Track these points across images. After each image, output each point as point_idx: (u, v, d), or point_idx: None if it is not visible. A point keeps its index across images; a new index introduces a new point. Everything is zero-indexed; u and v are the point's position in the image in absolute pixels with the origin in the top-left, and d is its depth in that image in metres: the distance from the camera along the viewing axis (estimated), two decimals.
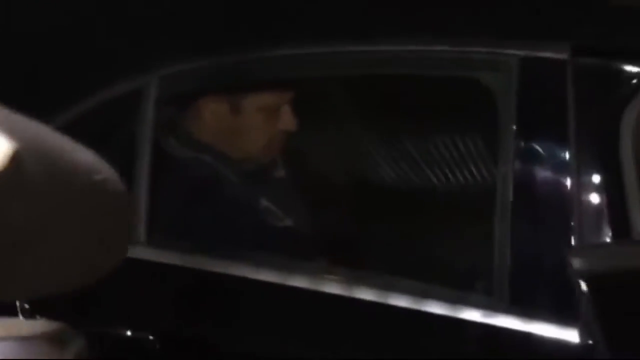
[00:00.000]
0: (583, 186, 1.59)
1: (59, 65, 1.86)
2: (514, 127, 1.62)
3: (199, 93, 1.92)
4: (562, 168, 1.61)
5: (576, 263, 1.49)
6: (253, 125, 1.93)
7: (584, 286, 1.44)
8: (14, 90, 1.84)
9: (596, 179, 1.59)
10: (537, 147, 1.63)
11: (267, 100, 1.92)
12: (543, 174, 1.62)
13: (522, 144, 1.62)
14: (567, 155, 1.60)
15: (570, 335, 1.53)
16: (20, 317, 1.67)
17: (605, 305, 1.45)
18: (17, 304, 1.68)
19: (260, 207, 1.95)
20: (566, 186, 1.60)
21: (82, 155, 0.64)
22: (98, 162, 0.64)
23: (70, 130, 1.77)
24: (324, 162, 2.10)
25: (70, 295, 1.51)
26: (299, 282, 1.71)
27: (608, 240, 1.56)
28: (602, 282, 1.45)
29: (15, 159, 0.59)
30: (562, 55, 1.62)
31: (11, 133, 0.59)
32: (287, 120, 1.93)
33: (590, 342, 1.49)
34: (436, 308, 1.62)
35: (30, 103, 1.83)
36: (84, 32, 1.84)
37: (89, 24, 1.85)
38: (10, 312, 1.67)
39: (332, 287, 1.70)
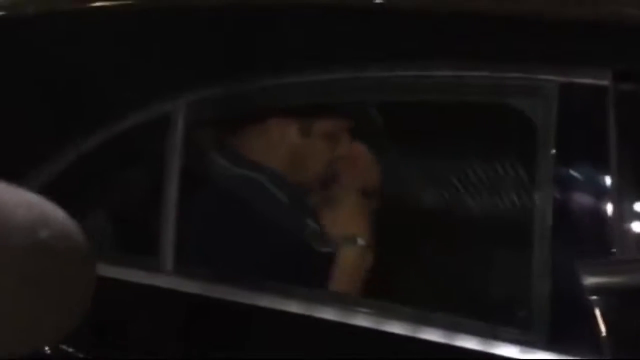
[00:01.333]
0: (625, 214, 1.52)
1: (88, 90, 1.84)
2: (553, 153, 1.55)
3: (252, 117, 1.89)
4: (603, 196, 1.55)
5: (587, 280, 1.45)
6: (317, 149, 1.93)
7: (595, 303, 1.42)
8: (47, 113, 1.85)
9: (638, 207, 1.53)
10: (577, 174, 1.57)
11: (331, 126, 1.92)
12: (583, 201, 1.56)
13: (562, 170, 1.57)
14: (608, 183, 1.54)
15: None
16: None
17: (616, 322, 1.43)
18: None
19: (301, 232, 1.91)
20: (607, 214, 1.53)
21: (24, 212, 0.59)
22: (45, 218, 0.59)
23: (102, 154, 1.78)
24: None
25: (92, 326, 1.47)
26: (328, 314, 1.66)
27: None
28: (613, 298, 1.43)
29: None
30: (603, 82, 1.56)
31: None
32: (346, 148, 1.93)
33: None
34: (470, 343, 1.56)
35: (61, 126, 1.84)
36: (111, 57, 1.82)
37: (118, 48, 1.82)
38: None
39: (361, 320, 1.64)
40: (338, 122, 1.92)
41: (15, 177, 1.80)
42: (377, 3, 1.71)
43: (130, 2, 1.88)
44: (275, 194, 1.93)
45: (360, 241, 1.89)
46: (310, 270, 1.84)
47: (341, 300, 1.71)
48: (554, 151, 1.57)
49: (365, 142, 1.96)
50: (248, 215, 1.91)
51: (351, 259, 1.88)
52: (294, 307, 1.67)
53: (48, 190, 1.79)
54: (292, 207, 1.94)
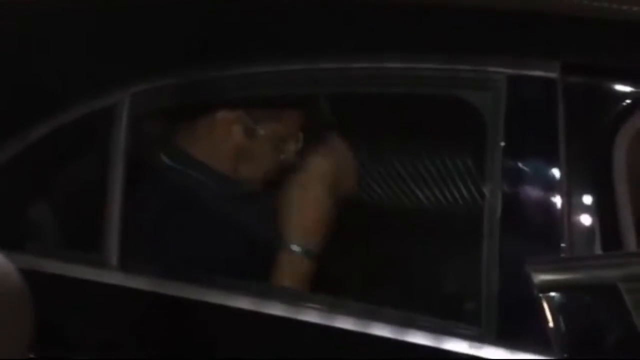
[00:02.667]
0: (574, 207, 1.52)
1: (33, 80, 1.80)
2: (502, 146, 1.55)
3: (200, 108, 1.86)
4: (552, 188, 1.55)
5: (535, 277, 1.48)
6: (261, 151, 1.90)
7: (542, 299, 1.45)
8: None
9: (588, 199, 1.54)
10: (526, 167, 1.57)
11: (282, 128, 1.89)
12: (532, 194, 1.56)
13: (511, 163, 1.57)
14: (558, 176, 1.54)
15: None
16: None
17: (564, 319, 1.46)
18: None
19: (249, 230, 1.88)
20: (556, 207, 1.53)
21: None
22: None
23: (45, 146, 1.75)
24: None
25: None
26: (277, 309, 1.64)
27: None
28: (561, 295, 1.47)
29: None
30: (552, 74, 1.56)
31: None
32: (291, 152, 1.90)
33: None
34: (419, 338, 1.55)
35: (5, 117, 1.80)
36: (56, 48, 1.78)
37: (63, 39, 1.79)
38: None
39: (311, 315, 1.62)
40: (286, 120, 1.90)
41: None
42: None
43: None
44: (216, 193, 1.91)
45: (306, 250, 1.86)
46: (254, 270, 1.82)
47: (290, 296, 1.69)
48: (502, 144, 1.56)
49: (315, 135, 1.94)
50: (191, 212, 1.89)
51: (291, 267, 1.85)
52: (242, 302, 1.65)
53: None
54: (234, 207, 1.92)
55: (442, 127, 1.82)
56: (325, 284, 1.88)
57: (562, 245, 1.51)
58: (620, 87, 1.56)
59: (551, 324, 1.46)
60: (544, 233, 1.55)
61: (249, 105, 1.86)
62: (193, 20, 1.76)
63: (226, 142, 1.90)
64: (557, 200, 1.54)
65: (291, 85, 1.75)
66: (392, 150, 1.99)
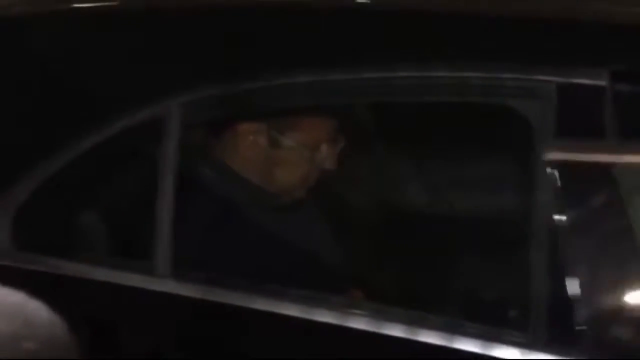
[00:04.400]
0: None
1: (82, 91, 1.83)
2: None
3: (232, 119, 1.89)
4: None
5: (550, 155, 1.53)
6: (290, 160, 1.93)
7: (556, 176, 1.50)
8: (41, 115, 1.84)
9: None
10: None
11: (307, 137, 1.91)
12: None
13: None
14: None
15: None
16: None
17: (574, 194, 1.51)
18: None
19: (290, 241, 1.91)
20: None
21: (5, 323, 0.58)
22: (29, 327, 0.58)
23: (95, 155, 1.78)
24: (355, 192, 2.07)
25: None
26: (324, 316, 1.65)
27: None
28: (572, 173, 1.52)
29: None
30: (600, 82, 1.56)
31: None
32: (327, 159, 1.93)
33: None
34: (468, 345, 1.56)
35: (56, 127, 1.83)
36: (105, 58, 1.81)
37: (111, 50, 1.81)
38: None
39: (358, 323, 1.63)
40: (313, 129, 1.93)
41: (10, 178, 1.83)
42: (368, 3, 1.71)
43: (122, 3, 1.87)
44: (253, 202, 1.94)
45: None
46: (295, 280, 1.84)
47: (337, 303, 1.71)
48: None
49: (353, 144, 1.96)
50: (230, 222, 1.93)
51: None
52: (290, 310, 1.66)
53: (43, 190, 1.82)
54: (273, 216, 1.95)
55: (490, 136, 1.83)
56: (372, 291, 1.90)
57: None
58: None
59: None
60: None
61: (275, 116, 1.90)
62: (238, 31, 1.78)
63: (252, 153, 1.94)
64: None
65: (334, 94, 1.76)
66: (441, 158, 1.99)
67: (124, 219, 1.92)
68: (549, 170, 1.51)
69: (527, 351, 1.53)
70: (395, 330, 1.60)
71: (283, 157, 1.94)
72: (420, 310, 1.67)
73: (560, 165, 1.52)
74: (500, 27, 1.62)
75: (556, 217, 1.53)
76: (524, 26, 1.62)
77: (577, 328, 1.50)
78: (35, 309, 0.60)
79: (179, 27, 1.78)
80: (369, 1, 1.71)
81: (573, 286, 1.51)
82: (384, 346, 1.62)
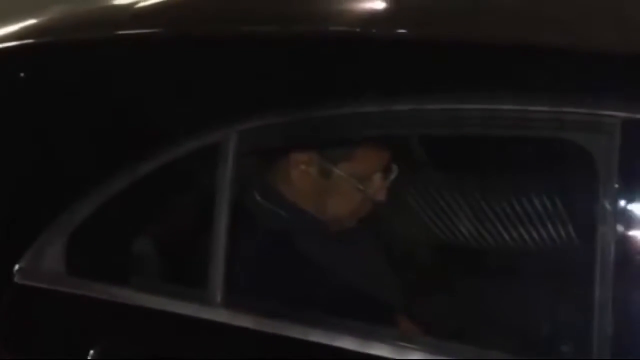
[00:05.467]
0: None
1: (142, 116, 1.83)
2: (616, 189, 1.55)
3: (285, 148, 1.90)
4: None
5: None
6: (342, 190, 1.93)
7: None
8: (98, 140, 1.85)
9: None
10: None
11: (359, 168, 1.92)
12: None
13: (625, 206, 1.58)
14: None
15: None
16: None
17: None
18: None
19: (340, 270, 1.91)
20: None
21: None
22: None
23: (150, 181, 1.78)
24: (406, 222, 2.07)
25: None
26: (381, 350, 1.64)
27: None
28: None
29: None
30: None
31: None
32: (378, 190, 1.94)
33: None
34: None
35: (111, 153, 1.84)
36: (165, 85, 1.82)
37: (172, 76, 1.82)
38: None
39: (416, 356, 1.62)
40: (364, 160, 1.93)
41: (64, 204, 1.83)
42: (434, 35, 1.70)
43: (182, 29, 1.88)
44: (307, 232, 1.95)
45: None
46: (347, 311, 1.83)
47: (396, 337, 1.69)
48: (616, 186, 1.55)
49: (405, 175, 1.96)
50: (284, 251, 1.93)
51: None
52: (346, 343, 1.65)
53: (97, 216, 1.82)
54: (325, 245, 1.95)
55: (552, 170, 1.82)
56: (421, 322, 1.89)
57: None
58: None
59: None
60: None
61: (329, 146, 1.90)
62: (299, 60, 1.78)
63: (304, 183, 1.95)
64: None
65: (396, 125, 1.76)
66: (501, 192, 1.98)
67: (178, 247, 1.92)
68: None
69: None
70: None
71: (334, 187, 1.94)
72: (471, 343, 1.66)
73: None
74: (566, 60, 1.61)
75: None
76: (589, 60, 1.60)
77: None
78: None
79: (240, 55, 1.79)
80: (434, 32, 1.71)
81: None
82: None
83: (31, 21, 2.08)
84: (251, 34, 1.83)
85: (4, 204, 1.88)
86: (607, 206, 1.56)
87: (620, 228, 1.56)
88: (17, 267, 1.87)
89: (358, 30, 1.79)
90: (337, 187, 1.94)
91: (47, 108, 1.90)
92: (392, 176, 1.94)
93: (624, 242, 1.56)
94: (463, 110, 1.65)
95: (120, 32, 1.95)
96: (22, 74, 1.95)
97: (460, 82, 1.66)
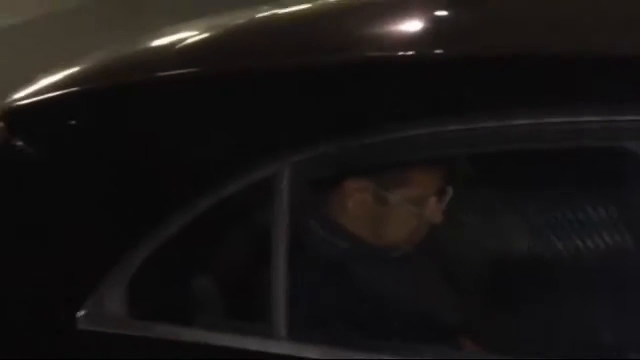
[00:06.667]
0: None
1: (195, 153, 1.86)
2: None
3: (339, 177, 1.91)
4: None
5: None
6: (398, 216, 1.95)
7: None
8: (151, 181, 1.87)
9: None
10: None
11: (413, 192, 1.93)
12: None
13: None
14: None
15: None
16: None
17: None
18: None
19: (404, 295, 1.91)
20: None
21: None
22: None
23: (207, 219, 1.80)
24: (461, 242, 2.07)
25: None
26: None
27: None
28: None
29: None
30: None
31: None
32: (434, 213, 1.95)
33: None
34: None
35: (165, 194, 1.86)
36: (217, 120, 1.85)
37: (222, 111, 1.85)
38: None
39: None
40: (418, 184, 1.94)
41: (127, 243, 1.85)
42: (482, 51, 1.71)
43: (227, 65, 1.90)
44: (363, 259, 1.95)
45: None
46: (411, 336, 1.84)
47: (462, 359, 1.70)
48: None
49: (460, 195, 1.96)
50: (345, 282, 1.93)
51: None
52: None
53: (156, 257, 1.84)
54: (384, 271, 1.96)
55: (607, 179, 1.82)
56: (483, 341, 1.89)
57: None
58: None
59: None
60: None
61: (383, 172, 1.91)
62: (346, 87, 1.80)
63: (360, 211, 1.96)
64: None
65: (449, 146, 1.77)
66: (557, 206, 1.98)
67: (238, 282, 1.93)
68: None
69: None
70: None
71: (391, 213, 1.95)
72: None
73: None
74: (617, 67, 1.61)
75: None
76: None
77: None
78: None
79: (287, 86, 1.81)
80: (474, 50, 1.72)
81: None
82: None
83: (76, 68, 2.11)
84: (296, 66, 1.85)
85: (67, 250, 1.90)
86: None
87: None
88: (80, 313, 1.89)
89: (399, 53, 1.81)
90: (394, 213, 1.95)
91: (99, 153, 1.93)
92: (447, 197, 1.95)
93: None
94: (514, 127, 1.66)
95: (165, 74, 1.98)
96: (72, 122, 1.98)
97: (510, 98, 1.67)
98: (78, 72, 2.11)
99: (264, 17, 2.14)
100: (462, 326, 1.99)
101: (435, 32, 1.84)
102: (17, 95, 2.08)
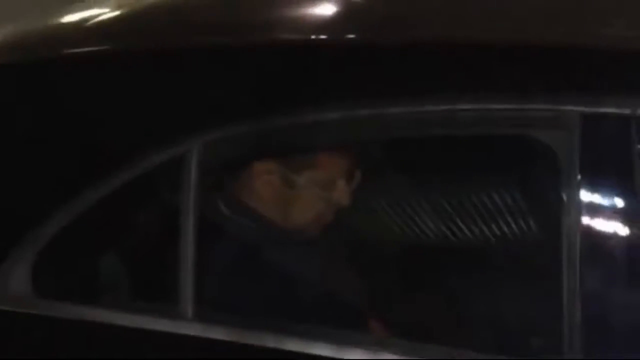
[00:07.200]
0: None
1: (100, 133, 1.84)
2: (578, 183, 1.59)
3: (248, 158, 1.91)
4: (630, 222, 1.58)
5: None
6: (305, 198, 1.96)
7: None
8: (60, 158, 1.85)
9: None
10: (603, 203, 1.60)
11: (322, 175, 1.94)
12: (610, 229, 1.59)
13: (587, 199, 1.61)
14: (635, 210, 1.56)
15: None
16: None
17: None
18: None
19: (311, 277, 1.92)
20: (636, 243, 1.57)
21: None
22: None
23: (115, 198, 1.79)
24: (370, 226, 2.09)
25: None
26: (356, 355, 1.66)
27: None
28: None
29: None
30: (626, 110, 1.58)
31: None
32: (342, 196, 1.96)
33: None
34: None
35: (75, 171, 1.84)
36: (127, 98, 1.83)
37: (134, 88, 1.84)
38: None
39: (389, 358, 1.64)
40: (326, 167, 1.95)
41: (32, 221, 1.83)
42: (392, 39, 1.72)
43: (137, 43, 1.89)
44: (271, 240, 1.96)
45: None
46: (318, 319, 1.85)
47: (369, 342, 1.71)
48: (578, 180, 1.59)
49: (368, 179, 1.98)
50: (251, 263, 1.94)
51: None
52: (322, 350, 1.67)
53: (63, 235, 1.82)
54: (292, 254, 1.96)
55: (515, 166, 1.85)
56: (392, 324, 1.91)
57: None
58: None
59: None
60: (624, 265, 1.57)
61: (291, 154, 1.92)
62: (257, 70, 1.80)
63: (267, 193, 1.96)
64: (635, 234, 1.57)
65: (358, 131, 1.78)
66: (462, 192, 2.01)
67: (145, 262, 1.92)
68: None
69: None
70: None
71: (298, 196, 1.96)
72: (445, 343, 1.69)
73: None
74: (524, 57, 1.64)
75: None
76: (548, 56, 1.63)
77: None
78: None
79: (198, 66, 1.80)
80: (388, 36, 1.73)
81: None
82: None
83: None
84: (208, 45, 1.84)
85: None
86: (570, 200, 1.59)
87: (583, 221, 1.60)
88: None
89: (312, 37, 1.81)
90: (301, 196, 1.96)
91: (9, 127, 1.90)
92: (356, 182, 1.96)
93: (588, 234, 1.60)
94: (423, 113, 1.68)
95: (73, 51, 1.96)
96: None
97: (420, 84, 1.69)
98: None
99: None
100: (370, 309, 2.01)
101: (347, 16, 1.84)
102: None
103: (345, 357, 1.66)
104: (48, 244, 1.85)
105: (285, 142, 1.86)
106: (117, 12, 2.11)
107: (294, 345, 1.69)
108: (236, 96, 1.80)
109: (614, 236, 1.62)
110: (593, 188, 1.61)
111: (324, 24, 1.84)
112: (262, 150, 1.90)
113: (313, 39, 1.81)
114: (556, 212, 1.64)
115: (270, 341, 1.71)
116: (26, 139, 1.89)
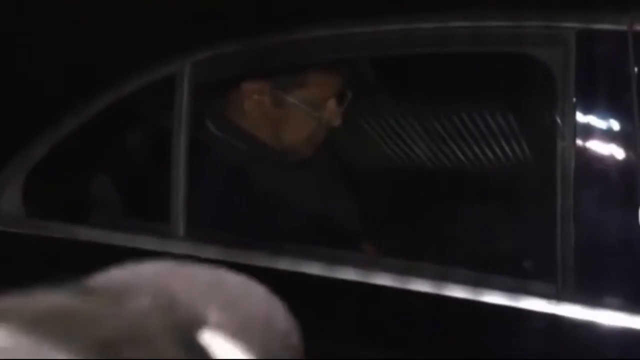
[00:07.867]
0: None
1: (91, 52, 1.82)
2: (574, 101, 1.56)
3: (238, 78, 1.88)
4: (625, 141, 1.55)
5: None
6: (296, 118, 1.92)
7: None
8: (50, 78, 1.83)
9: None
10: (599, 121, 1.57)
11: (312, 94, 1.90)
12: (606, 148, 1.57)
13: (583, 118, 1.58)
14: (631, 128, 1.54)
15: None
16: None
17: None
18: None
19: (300, 198, 1.91)
20: (631, 159, 1.54)
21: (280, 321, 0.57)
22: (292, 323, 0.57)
23: (105, 118, 1.77)
24: (362, 147, 2.07)
25: None
26: (349, 274, 1.66)
27: None
28: None
29: None
30: (621, 27, 1.56)
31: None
32: (333, 116, 1.92)
33: None
34: (494, 298, 1.56)
35: (64, 91, 1.82)
36: (115, 19, 1.80)
37: (120, 10, 1.80)
38: None
39: (384, 279, 1.64)
40: (316, 86, 1.92)
41: (22, 141, 1.82)
42: None
43: None
44: (261, 161, 1.95)
45: None
46: (308, 238, 1.84)
47: (361, 261, 1.71)
48: (574, 99, 1.57)
49: (360, 99, 1.96)
50: (239, 182, 1.92)
51: None
52: (313, 268, 1.67)
53: (54, 155, 1.81)
54: (282, 174, 1.96)
55: (510, 85, 1.83)
56: (385, 246, 1.91)
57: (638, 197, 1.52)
58: None
59: None
60: (619, 187, 1.56)
61: (281, 73, 1.89)
62: None
63: (257, 112, 1.93)
64: (631, 152, 1.56)
65: (350, 48, 1.76)
66: (460, 110, 1.99)
67: (136, 182, 1.92)
68: None
69: (555, 302, 1.53)
70: (422, 286, 1.60)
71: (288, 115, 1.93)
72: (436, 262, 1.68)
73: None
74: None
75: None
76: None
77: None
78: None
79: None
80: None
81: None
82: (410, 301, 1.63)
83: None
84: None
85: None
86: (565, 118, 1.58)
87: (579, 140, 1.58)
88: None
89: None
90: (291, 115, 1.93)
91: None
92: (347, 101, 1.93)
93: (584, 154, 1.58)
94: (416, 30, 1.65)
95: None
96: None
97: (412, 1, 1.66)
98: None
99: None
100: (362, 231, 2.01)
101: None
102: None
103: (336, 276, 1.66)
104: (38, 164, 1.85)
105: (274, 61, 1.83)
106: None
107: (285, 263, 1.69)
108: (226, 14, 1.77)
109: (609, 157, 1.60)
110: (588, 106, 1.60)
111: None
112: (251, 69, 1.88)
113: None
114: (551, 130, 1.62)
115: (261, 260, 1.71)
116: (19, 50, 1.87)
